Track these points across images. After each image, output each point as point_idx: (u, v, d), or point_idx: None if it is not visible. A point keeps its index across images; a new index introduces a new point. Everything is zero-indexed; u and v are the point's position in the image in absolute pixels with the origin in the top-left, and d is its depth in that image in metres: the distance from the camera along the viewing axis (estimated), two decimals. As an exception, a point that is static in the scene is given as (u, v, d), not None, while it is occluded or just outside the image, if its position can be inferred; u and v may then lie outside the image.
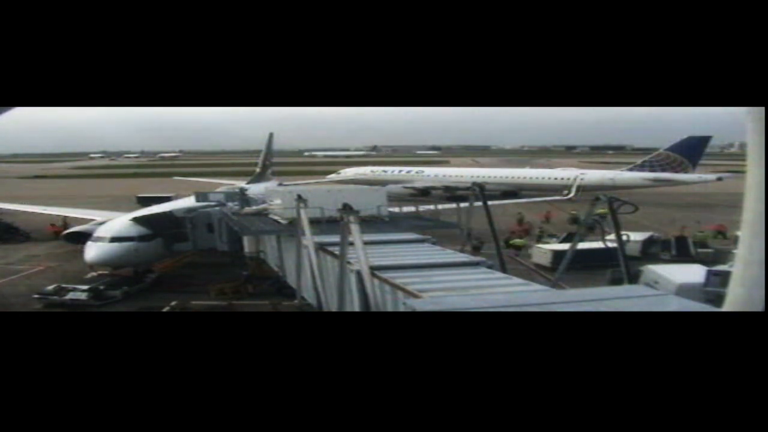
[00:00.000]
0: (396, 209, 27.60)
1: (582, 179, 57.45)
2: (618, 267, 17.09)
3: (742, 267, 4.58)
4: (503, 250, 21.97)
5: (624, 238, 16.33)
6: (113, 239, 27.55)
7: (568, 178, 61.67)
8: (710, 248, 33.49)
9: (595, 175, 64.74)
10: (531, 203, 54.03)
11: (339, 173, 78.92)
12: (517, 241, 36.41)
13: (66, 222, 40.87)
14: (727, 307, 4.73)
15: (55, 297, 25.13)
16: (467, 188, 24.74)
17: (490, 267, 15.30)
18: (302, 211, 18.56)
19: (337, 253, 15.39)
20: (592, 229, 18.08)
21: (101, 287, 26.25)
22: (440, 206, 33.72)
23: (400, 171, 77.78)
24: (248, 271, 27.87)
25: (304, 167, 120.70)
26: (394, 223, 23.40)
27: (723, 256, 26.85)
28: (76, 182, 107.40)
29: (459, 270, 14.54)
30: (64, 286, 26.25)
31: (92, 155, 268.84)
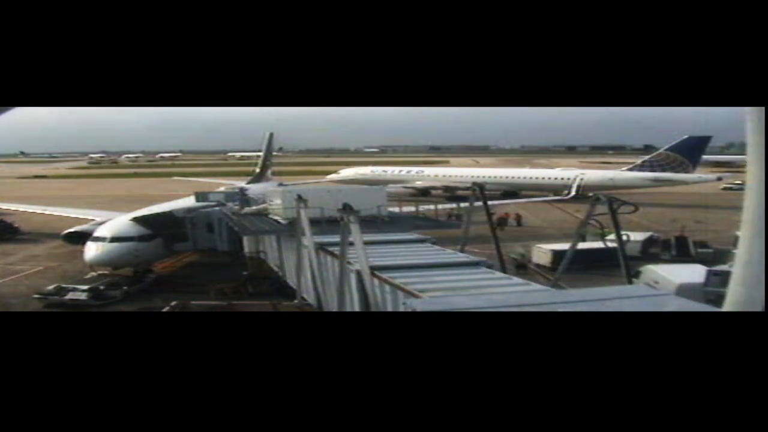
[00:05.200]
0: (396, 209, 27.60)
1: (582, 179, 57.46)
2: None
3: (742, 267, 4.59)
4: None
5: (624, 238, 16.32)
6: (113, 239, 27.57)
7: (569, 178, 61.67)
8: (710, 248, 33.51)
9: (595, 175, 64.73)
10: (531, 203, 54.09)
11: (339, 173, 78.95)
12: None
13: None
14: (727, 307, 4.74)
15: (55, 297, 25.14)
16: (467, 188, 24.75)
17: (490, 267, 15.32)
18: (302, 211, 18.58)
19: (337, 253, 15.40)
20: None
21: (101, 287, 26.26)
22: (440, 206, 33.75)
23: (400, 171, 77.83)
24: (248, 271, 27.87)
25: (304, 167, 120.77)
26: (394, 223, 23.41)
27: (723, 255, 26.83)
28: (76, 182, 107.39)
29: (459, 270, 14.55)
30: (64, 286, 26.26)
31: (92, 155, 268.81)
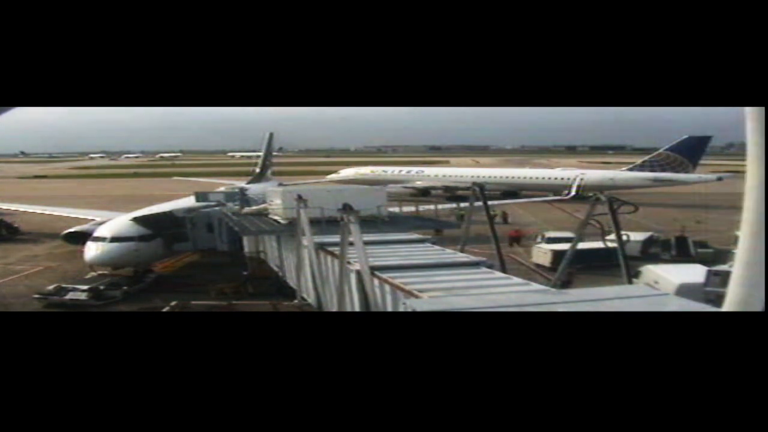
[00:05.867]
0: (396, 209, 27.60)
1: (582, 179, 57.47)
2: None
3: (742, 267, 4.58)
4: None
5: (624, 238, 16.31)
6: (113, 239, 27.57)
7: (569, 178, 61.67)
8: (710, 248, 33.53)
9: (595, 175, 64.72)
10: (531, 203, 54.11)
11: (339, 173, 78.97)
12: None
13: None
14: (727, 307, 4.73)
15: (55, 297, 25.13)
16: (467, 188, 24.75)
17: (490, 267, 15.32)
18: (302, 211, 18.59)
19: (337, 253, 15.40)
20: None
21: (101, 287, 26.24)
22: (440, 206, 33.79)
23: (400, 171, 77.84)
24: (248, 271, 27.87)
25: (304, 167, 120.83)
26: (394, 223, 23.41)
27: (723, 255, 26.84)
28: (76, 182, 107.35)
29: (459, 270, 14.56)
30: (64, 286, 26.25)
31: (92, 155, 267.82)
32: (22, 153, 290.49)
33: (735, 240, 6.35)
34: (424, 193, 64.46)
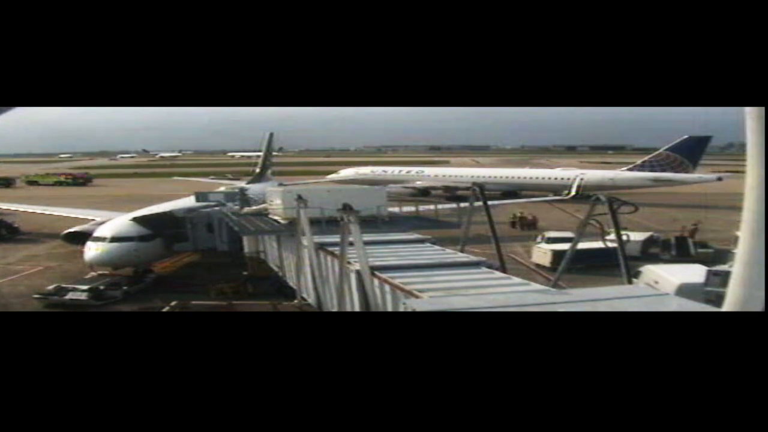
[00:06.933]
0: (396, 209, 27.59)
1: (582, 179, 57.43)
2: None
3: (742, 267, 4.59)
4: None
5: (624, 238, 16.29)
6: (113, 239, 27.56)
7: (569, 178, 61.65)
8: (710, 248, 33.54)
9: (595, 175, 64.69)
10: (531, 203, 54.09)
11: (339, 173, 78.97)
12: None
13: None
14: (727, 307, 4.74)
15: (55, 297, 25.12)
16: (467, 188, 24.75)
17: (490, 267, 15.31)
18: (302, 211, 18.58)
19: (337, 253, 15.40)
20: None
21: (101, 287, 26.23)
22: (440, 206, 33.79)
23: (400, 171, 77.85)
24: (248, 271, 27.87)
25: (304, 167, 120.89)
26: (394, 223, 23.40)
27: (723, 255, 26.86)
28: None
29: (459, 270, 14.54)
30: (64, 286, 26.23)
31: (61, 155, 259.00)
32: (145, 150, 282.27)
33: (735, 240, 6.34)
34: (424, 193, 64.40)
